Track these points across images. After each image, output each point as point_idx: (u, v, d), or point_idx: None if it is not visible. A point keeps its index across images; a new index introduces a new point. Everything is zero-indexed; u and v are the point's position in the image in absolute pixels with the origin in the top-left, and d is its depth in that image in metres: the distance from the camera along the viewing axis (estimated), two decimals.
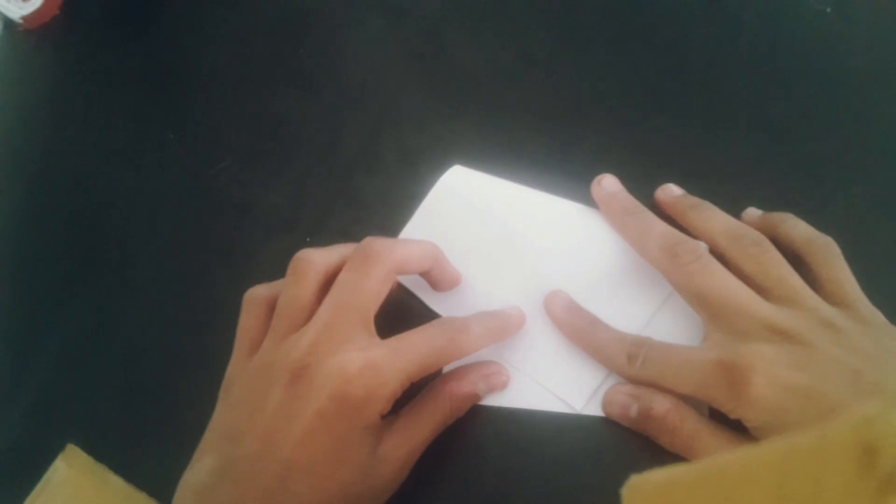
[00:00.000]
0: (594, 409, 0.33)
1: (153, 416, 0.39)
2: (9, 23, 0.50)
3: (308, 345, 0.29)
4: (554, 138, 0.40)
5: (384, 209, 0.40)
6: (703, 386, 0.30)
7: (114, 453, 0.38)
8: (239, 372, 0.32)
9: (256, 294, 0.34)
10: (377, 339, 0.30)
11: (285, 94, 0.44)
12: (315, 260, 0.32)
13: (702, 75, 0.39)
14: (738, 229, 0.33)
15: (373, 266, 0.31)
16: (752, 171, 0.36)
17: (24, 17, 0.49)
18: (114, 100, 0.47)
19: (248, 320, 0.33)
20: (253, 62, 0.45)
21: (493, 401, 0.34)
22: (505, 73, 0.42)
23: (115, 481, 0.37)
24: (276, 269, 0.40)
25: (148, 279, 0.42)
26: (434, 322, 0.32)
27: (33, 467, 0.38)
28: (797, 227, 0.33)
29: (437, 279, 0.35)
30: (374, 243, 0.32)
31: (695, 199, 0.35)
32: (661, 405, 0.31)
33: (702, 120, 0.38)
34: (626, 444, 0.32)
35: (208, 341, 0.40)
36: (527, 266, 0.36)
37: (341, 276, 0.31)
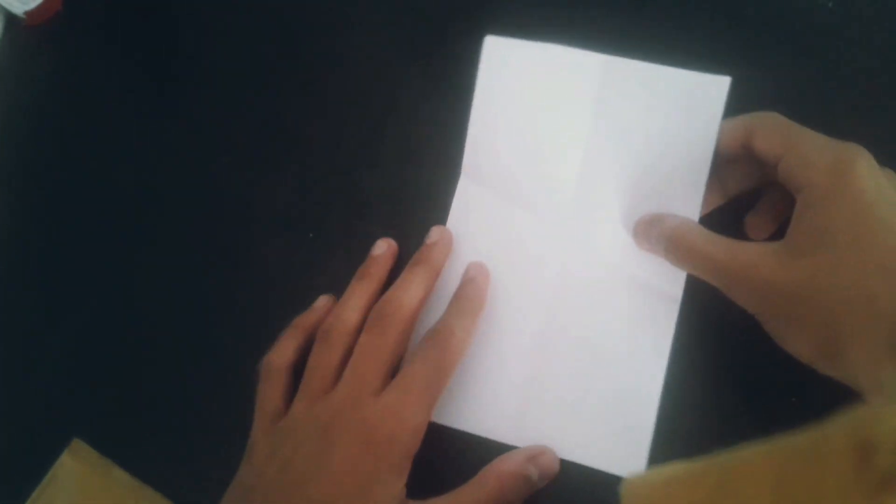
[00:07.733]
0: None
1: (157, 411, 0.40)
2: (11, 18, 0.50)
3: (336, 404, 0.33)
4: None
5: (386, 205, 0.40)
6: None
7: (119, 447, 0.38)
8: (263, 435, 0.35)
9: (273, 363, 0.36)
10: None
11: (287, 90, 0.44)
12: (339, 325, 0.35)
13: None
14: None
15: (388, 327, 0.34)
16: None
17: (27, 13, 0.49)
18: (116, 96, 0.47)
19: (268, 389, 0.36)
20: (254, 57, 0.45)
21: None
22: None
23: (121, 475, 0.38)
24: (278, 265, 0.40)
25: (150, 275, 0.42)
26: (418, 344, 0.34)
27: (39, 462, 0.38)
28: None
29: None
30: (386, 306, 0.35)
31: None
32: None
33: None
34: None
35: (211, 336, 0.40)
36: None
37: (362, 339, 0.34)
